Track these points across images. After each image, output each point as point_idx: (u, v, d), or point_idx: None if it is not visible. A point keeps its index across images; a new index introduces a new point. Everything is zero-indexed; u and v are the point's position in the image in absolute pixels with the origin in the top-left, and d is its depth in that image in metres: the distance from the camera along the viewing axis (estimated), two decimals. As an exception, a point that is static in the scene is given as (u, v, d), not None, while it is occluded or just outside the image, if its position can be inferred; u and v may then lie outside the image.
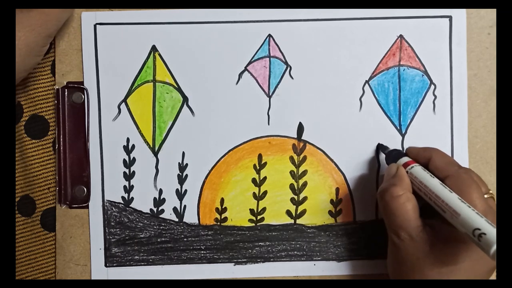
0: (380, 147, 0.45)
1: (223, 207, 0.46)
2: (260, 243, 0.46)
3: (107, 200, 0.45)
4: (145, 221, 0.45)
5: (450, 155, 0.45)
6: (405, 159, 0.41)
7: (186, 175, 0.45)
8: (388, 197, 0.38)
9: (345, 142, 0.45)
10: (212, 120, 0.45)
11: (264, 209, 0.46)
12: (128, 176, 0.45)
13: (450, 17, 0.45)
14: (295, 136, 0.45)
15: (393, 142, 0.45)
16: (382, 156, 0.45)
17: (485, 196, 0.37)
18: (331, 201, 0.46)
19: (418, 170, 0.40)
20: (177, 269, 0.45)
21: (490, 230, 0.32)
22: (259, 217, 0.46)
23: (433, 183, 0.38)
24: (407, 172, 0.40)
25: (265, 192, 0.46)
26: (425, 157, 0.41)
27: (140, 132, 0.45)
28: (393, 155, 0.43)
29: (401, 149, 0.45)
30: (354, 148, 0.45)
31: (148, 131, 0.45)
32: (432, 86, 0.45)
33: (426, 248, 0.37)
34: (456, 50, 0.45)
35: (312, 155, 0.45)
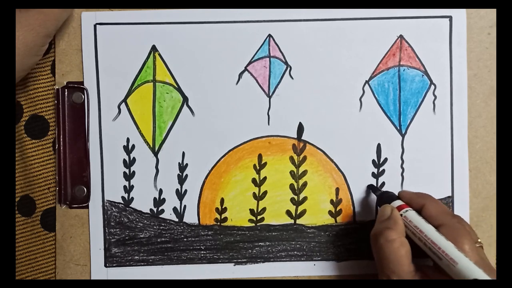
0: (371, 188, 0.45)
1: (223, 207, 0.46)
2: (260, 243, 0.46)
3: (107, 200, 0.45)
4: (145, 221, 0.45)
5: (450, 155, 0.45)
6: (398, 202, 0.41)
7: (186, 175, 0.45)
8: (382, 240, 0.38)
9: (345, 142, 0.45)
10: (212, 120, 0.45)
11: (264, 209, 0.46)
12: (128, 176, 0.45)
13: (450, 17, 0.45)
14: (295, 136, 0.45)
15: (393, 142, 0.45)
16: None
17: (476, 245, 0.37)
18: (331, 201, 0.46)
19: (412, 214, 0.39)
20: (177, 269, 0.45)
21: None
22: (259, 217, 0.46)
23: (429, 229, 0.37)
24: (401, 215, 0.40)
25: (265, 192, 0.46)
26: (418, 204, 0.40)
27: (140, 132, 0.45)
28: (385, 198, 0.42)
29: (400, 149, 0.45)
30: (354, 148, 0.45)
31: (148, 131, 0.45)
32: (432, 86, 0.45)
33: None
34: (456, 50, 0.45)
35: (312, 155, 0.45)
